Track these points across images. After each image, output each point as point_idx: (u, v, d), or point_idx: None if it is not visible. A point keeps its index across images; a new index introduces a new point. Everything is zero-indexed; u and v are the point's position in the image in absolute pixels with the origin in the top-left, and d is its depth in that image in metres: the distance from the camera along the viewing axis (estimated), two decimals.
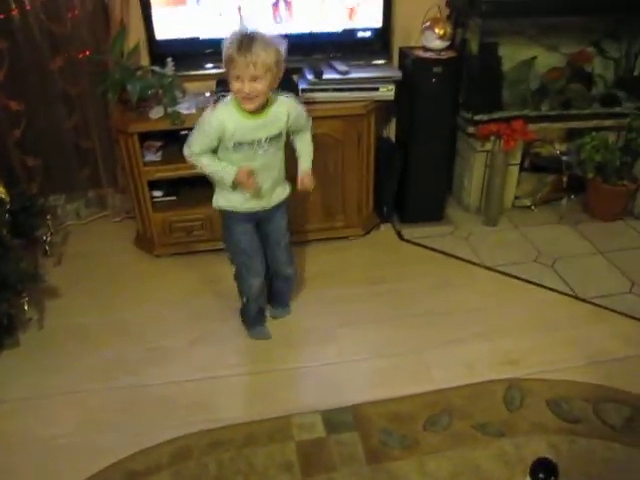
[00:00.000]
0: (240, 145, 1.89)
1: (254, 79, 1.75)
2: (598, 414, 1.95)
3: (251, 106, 1.82)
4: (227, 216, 2.10)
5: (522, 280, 2.66)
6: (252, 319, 2.34)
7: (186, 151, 1.96)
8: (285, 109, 1.94)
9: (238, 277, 2.23)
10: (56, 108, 2.85)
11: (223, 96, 2.61)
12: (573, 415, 1.95)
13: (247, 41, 1.72)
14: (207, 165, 1.96)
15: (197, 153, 1.94)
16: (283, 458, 1.80)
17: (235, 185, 1.95)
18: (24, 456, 1.86)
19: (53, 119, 2.87)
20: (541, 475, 1.17)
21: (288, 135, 2.03)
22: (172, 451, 1.84)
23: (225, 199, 2.06)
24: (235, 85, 1.78)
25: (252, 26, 1.78)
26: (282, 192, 2.12)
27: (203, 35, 2.69)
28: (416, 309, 2.48)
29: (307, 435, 1.88)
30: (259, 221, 2.13)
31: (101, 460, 1.80)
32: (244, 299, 2.26)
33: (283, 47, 1.80)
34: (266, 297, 2.34)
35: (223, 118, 1.86)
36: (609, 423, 1.92)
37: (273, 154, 1.98)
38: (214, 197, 2.10)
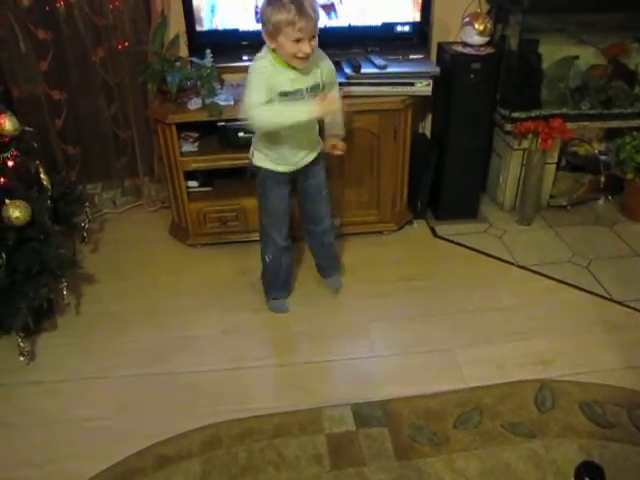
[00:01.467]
0: (285, 96, 1.95)
1: (313, 37, 1.86)
2: (632, 420, 1.92)
3: (306, 64, 1.92)
4: (264, 174, 2.18)
5: (556, 280, 2.63)
6: (272, 286, 2.41)
7: (247, 110, 1.95)
8: (318, 61, 2.01)
9: (262, 235, 2.32)
10: (96, 98, 2.90)
11: None
12: (606, 419, 1.92)
13: (299, 3, 1.80)
14: (277, 112, 1.96)
15: (260, 104, 1.92)
16: (314, 450, 1.82)
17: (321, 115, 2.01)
18: (61, 434, 1.92)
19: (93, 109, 2.93)
20: (586, 479, 1.16)
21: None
22: (203, 438, 1.87)
23: (264, 158, 2.15)
24: (293, 47, 1.85)
25: None
26: (319, 146, 2.20)
27: (241, 27, 2.71)
28: (449, 306, 2.47)
29: (337, 428, 1.90)
30: (296, 180, 2.21)
31: (133, 443, 1.85)
32: (266, 258, 2.33)
33: None
34: (289, 272, 2.43)
35: (268, 69, 1.93)
36: None
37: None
38: (254, 154, 2.18)
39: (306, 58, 1.89)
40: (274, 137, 2.06)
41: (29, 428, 1.95)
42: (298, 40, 1.84)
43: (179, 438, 1.87)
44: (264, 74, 1.93)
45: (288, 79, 1.95)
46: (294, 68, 1.94)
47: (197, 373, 2.15)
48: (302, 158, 2.15)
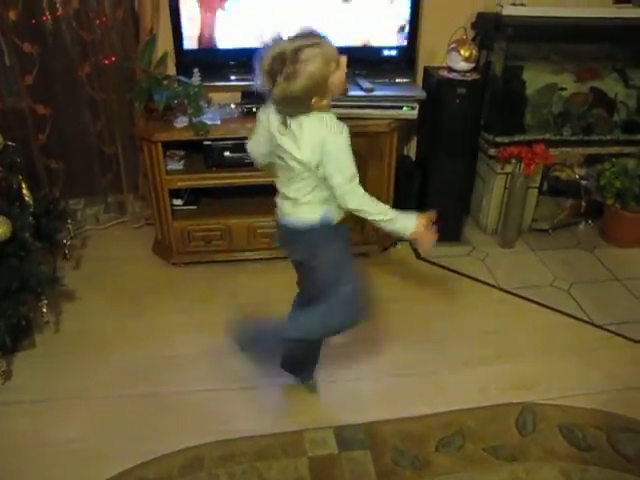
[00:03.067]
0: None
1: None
2: (612, 443, 1.94)
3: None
4: (330, 229, 1.81)
5: (538, 304, 2.66)
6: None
7: (358, 197, 1.70)
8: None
9: None
10: (82, 113, 2.89)
11: (247, 108, 2.69)
12: (586, 443, 1.94)
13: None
14: (380, 210, 1.72)
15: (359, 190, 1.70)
16: (295, 473, 1.81)
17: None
18: (35, 459, 1.88)
19: (78, 124, 2.92)
20: None
21: None
22: (184, 461, 1.85)
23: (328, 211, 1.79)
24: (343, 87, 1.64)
25: None
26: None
27: (229, 46, 2.73)
28: (431, 329, 2.48)
29: (320, 451, 1.89)
30: None
31: (113, 467, 1.81)
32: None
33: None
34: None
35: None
36: (623, 453, 1.91)
37: None
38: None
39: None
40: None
41: (4, 450, 1.90)
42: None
43: (160, 460, 1.84)
44: (345, 129, 1.64)
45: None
46: None
47: (179, 394, 2.12)
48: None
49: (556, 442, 1.94)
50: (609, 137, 3.11)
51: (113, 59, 2.79)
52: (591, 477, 1.82)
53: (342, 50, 2.71)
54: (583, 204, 3.17)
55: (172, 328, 2.46)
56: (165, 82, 2.64)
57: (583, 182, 3.16)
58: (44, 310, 2.34)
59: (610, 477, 1.82)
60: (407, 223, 1.72)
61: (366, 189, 2.72)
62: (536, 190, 3.13)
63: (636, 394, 2.16)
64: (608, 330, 2.49)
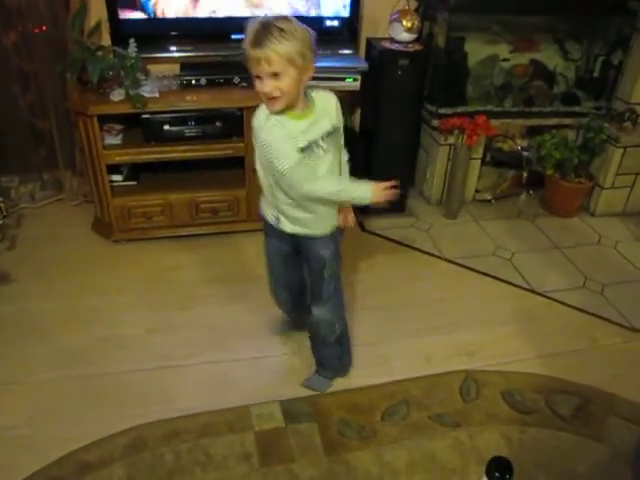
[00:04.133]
0: (302, 152, 1.60)
1: (274, 76, 1.50)
2: (549, 405, 2.01)
3: (276, 106, 1.55)
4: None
5: (480, 273, 2.71)
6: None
7: (303, 186, 1.63)
8: (331, 102, 1.71)
9: None
10: (10, 85, 2.74)
11: (187, 80, 2.62)
12: (526, 406, 2.00)
13: (262, 33, 1.46)
14: (331, 190, 1.68)
15: (305, 176, 1.63)
16: (242, 448, 1.80)
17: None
18: None
19: (7, 97, 2.76)
20: (497, 474, 1.19)
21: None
22: (126, 442, 1.81)
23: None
24: (256, 85, 1.54)
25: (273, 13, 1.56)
26: (293, 220, 1.80)
27: (167, 16, 2.63)
28: (376, 300, 2.49)
29: (266, 425, 1.88)
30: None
31: (53, 452, 1.76)
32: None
33: (309, 34, 1.52)
34: (298, 312, 2.15)
35: (279, 128, 1.58)
36: (559, 413, 1.98)
37: (334, 154, 1.73)
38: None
39: (268, 99, 1.54)
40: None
41: None
42: (257, 77, 1.52)
43: (101, 443, 1.80)
44: (278, 136, 1.58)
45: (299, 133, 1.60)
46: (302, 115, 1.62)
47: (120, 374, 2.08)
48: (272, 218, 1.82)
49: (498, 407, 1.99)
50: (549, 109, 3.16)
51: (44, 28, 2.65)
52: (530, 437, 1.88)
53: None
54: (524, 175, 3.22)
55: (112, 308, 2.39)
56: (99, 53, 2.53)
57: (524, 153, 3.21)
58: None
59: (547, 436, 1.89)
60: (363, 189, 1.69)
61: None
62: (479, 161, 3.17)
63: (572, 357, 2.24)
64: (548, 297, 2.56)
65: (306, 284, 1.96)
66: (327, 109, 1.69)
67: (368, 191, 1.67)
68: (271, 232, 1.86)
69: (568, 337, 2.34)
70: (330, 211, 1.80)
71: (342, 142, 1.82)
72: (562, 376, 2.13)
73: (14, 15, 2.59)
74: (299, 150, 1.59)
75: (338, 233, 1.88)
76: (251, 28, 1.48)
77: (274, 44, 1.45)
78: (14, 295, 2.44)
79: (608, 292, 2.60)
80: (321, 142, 1.65)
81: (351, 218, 1.97)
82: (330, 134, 1.68)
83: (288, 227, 1.78)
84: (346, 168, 1.88)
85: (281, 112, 1.58)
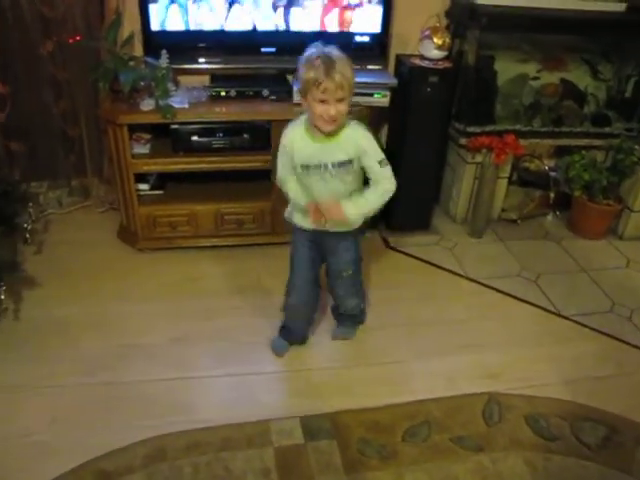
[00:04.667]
0: (307, 168, 1.86)
1: (340, 101, 1.71)
2: (575, 432, 1.97)
3: (332, 128, 1.77)
4: (293, 227, 2.10)
5: (505, 294, 2.67)
6: (283, 328, 2.28)
7: (276, 178, 1.99)
8: (361, 139, 1.86)
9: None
10: (44, 93, 2.78)
11: (216, 92, 2.64)
12: (550, 432, 1.96)
13: (330, 62, 1.68)
14: (290, 190, 1.97)
15: (282, 176, 1.97)
16: (261, 464, 1.78)
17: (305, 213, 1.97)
18: None
19: (40, 104, 2.80)
20: None
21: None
22: (146, 452, 1.80)
23: (290, 212, 2.08)
24: (318, 108, 1.72)
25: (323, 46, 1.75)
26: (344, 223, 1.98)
27: (199, 27, 2.65)
28: (399, 318, 2.47)
29: (286, 441, 1.86)
30: (321, 244, 2.08)
31: (73, 459, 1.76)
32: (284, 306, 2.24)
33: None
34: (307, 325, 2.28)
35: (293, 137, 1.87)
36: (585, 442, 1.93)
37: (342, 180, 1.89)
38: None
39: (332, 122, 1.75)
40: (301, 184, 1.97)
41: None
42: (323, 101, 1.71)
43: (120, 452, 1.80)
44: (285, 146, 1.89)
45: (314, 150, 1.84)
46: (321, 141, 1.83)
47: (142, 383, 2.08)
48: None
49: (521, 432, 1.95)
50: (579, 129, 3.13)
51: (77, 38, 2.69)
52: (554, 466, 1.84)
53: (315, 35, 2.72)
54: (551, 195, 3.19)
55: (136, 316, 2.40)
56: (131, 63, 2.56)
57: (552, 173, 3.18)
58: (2, 297, 2.28)
59: (573, 465, 1.84)
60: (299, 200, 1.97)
61: None
62: (505, 180, 3.14)
63: (598, 384, 2.18)
64: (574, 321, 2.51)
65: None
66: (351, 139, 1.84)
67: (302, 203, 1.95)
68: (301, 232, 2.08)
69: (594, 363, 2.29)
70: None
71: (370, 174, 1.92)
72: (587, 403, 2.08)
73: (52, 25, 2.64)
74: (302, 166, 1.86)
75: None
76: (318, 59, 1.69)
77: (346, 71, 1.70)
78: (40, 300, 2.46)
79: (637, 318, 2.55)
80: (331, 168, 1.85)
81: (333, 209, 1.91)
82: (344, 164, 1.85)
83: (339, 225, 2.01)
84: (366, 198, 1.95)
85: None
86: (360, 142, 1.85)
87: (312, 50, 1.74)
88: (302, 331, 2.28)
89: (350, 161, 1.85)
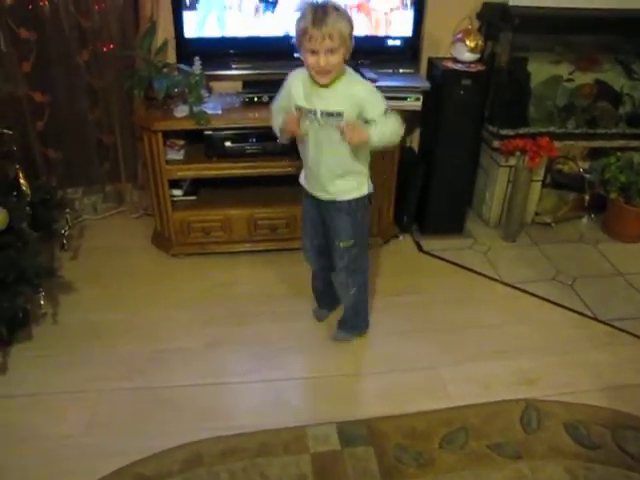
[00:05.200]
0: (300, 111, 1.85)
1: (330, 51, 1.70)
2: (617, 441, 1.92)
3: (326, 80, 1.77)
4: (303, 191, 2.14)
5: (540, 298, 2.63)
6: (314, 293, 2.42)
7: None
8: (358, 91, 1.82)
9: None
10: (80, 101, 2.83)
11: (249, 98, 2.65)
12: (591, 440, 1.92)
13: (321, 12, 1.66)
14: (273, 119, 2.01)
15: (274, 107, 2.00)
16: (297, 470, 1.78)
17: (283, 132, 1.95)
18: (30, 453, 1.84)
19: (76, 112, 2.86)
20: None
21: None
22: (183, 457, 1.81)
23: (300, 176, 2.12)
24: (310, 59, 1.73)
25: None
26: (342, 189, 1.98)
27: (231, 34, 2.67)
28: (433, 323, 2.45)
29: (322, 447, 1.86)
30: (321, 211, 2.08)
31: (110, 462, 1.78)
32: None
33: (351, 18, 1.75)
34: (323, 292, 2.36)
35: (296, 76, 1.89)
36: (628, 451, 1.88)
37: (330, 136, 1.84)
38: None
39: (324, 73, 1.74)
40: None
41: (0, 445, 1.86)
42: (313, 52, 1.71)
43: (159, 457, 1.81)
44: (285, 84, 1.93)
45: (307, 93, 1.84)
46: (318, 87, 1.81)
47: (178, 388, 2.10)
48: (315, 189, 2.03)
49: (561, 440, 1.92)
50: (614, 130, 3.07)
51: (112, 46, 2.73)
52: (597, 476, 1.80)
53: None
54: (586, 198, 3.14)
55: (170, 320, 2.42)
56: (165, 70, 2.60)
57: (586, 176, 3.12)
58: (42, 302, 2.30)
59: (616, 475, 1.80)
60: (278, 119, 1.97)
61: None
62: (539, 183, 3.09)
63: (638, 391, 2.13)
64: (612, 326, 2.46)
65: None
66: (347, 93, 1.81)
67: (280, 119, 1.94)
68: (306, 195, 2.14)
69: (634, 369, 2.24)
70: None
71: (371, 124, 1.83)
72: (628, 410, 2.03)
73: (88, 35, 2.69)
74: (296, 107, 1.86)
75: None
76: (308, 8, 1.69)
77: (337, 22, 1.67)
78: (76, 305, 2.50)
79: None
80: (319, 116, 1.83)
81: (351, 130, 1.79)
82: (334, 115, 1.81)
83: (324, 194, 2.06)
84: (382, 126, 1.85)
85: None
86: (357, 94, 1.81)
87: (307, 1, 1.72)
88: (328, 297, 2.36)
89: (340, 114, 1.80)
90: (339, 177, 1.96)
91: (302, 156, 2.03)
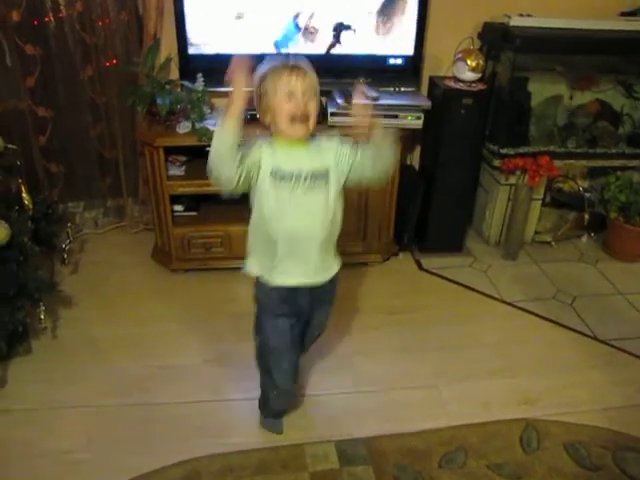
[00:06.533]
0: (276, 175, 1.55)
1: (309, 98, 1.52)
2: (617, 462, 1.91)
3: (304, 130, 1.55)
4: (260, 291, 1.77)
5: (540, 317, 2.63)
6: (271, 412, 2.00)
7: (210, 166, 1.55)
8: (326, 140, 1.64)
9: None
10: (83, 116, 2.86)
11: (251, 115, 2.66)
12: (591, 462, 1.91)
13: (293, 61, 1.54)
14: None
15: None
16: None
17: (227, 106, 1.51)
18: (28, 469, 1.83)
19: (79, 127, 2.88)
20: None
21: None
22: (181, 474, 1.80)
23: (259, 266, 1.71)
24: (285, 107, 1.51)
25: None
26: (332, 263, 1.75)
27: (233, 52, 2.69)
28: (433, 341, 2.44)
29: (321, 466, 1.85)
30: (310, 302, 1.76)
31: (110, 478, 1.77)
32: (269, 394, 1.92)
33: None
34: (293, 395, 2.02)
35: (260, 146, 1.56)
36: (629, 473, 1.87)
37: (316, 199, 1.60)
38: (247, 260, 1.74)
39: (304, 120, 1.55)
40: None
41: None
42: (290, 95, 1.54)
43: (157, 474, 1.80)
44: (253, 147, 1.57)
45: (287, 156, 1.58)
46: (298, 144, 1.60)
47: (177, 404, 2.09)
48: (306, 275, 1.69)
49: (561, 460, 1.91)
50: (614, 150, 3.09)
51: (115, 62, 2.76)
52: None
53: (348, 58, 2.74)
54: (586, 217, 3.15)
55: (170, 336, 2.42)
56: (168, 87, 2.61)
57: (586, 195, 3.13)
58: (42, 316, 2.30)
59: None
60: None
61: (368, 199, 2.73)
62: (539, 202, 3.10)
63: (638, 412, 2.12)
64: (611, 345, 2.46)
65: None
66: (325, 147, 1.62)
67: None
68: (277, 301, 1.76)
69: (635, 390, 2.23)
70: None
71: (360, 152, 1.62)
72: (628, 431, 2.02)
73: (92, 51, 2.72)
74: (273, 173, 1.55)
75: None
76: (281, 58, 1.56)
77: (309, 71, 1.54)
78: (76, 319, 2.50)
79: None
80: (304, 178, 1.56)
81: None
82: (319, 176, 1.59)
83: (328, 271, 1.76)
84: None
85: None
86: (327, 144, 1.63)
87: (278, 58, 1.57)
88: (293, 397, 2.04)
89: (326, 174, 1.60)
90: (329, 249, 1.72)
91: (264, 239, 1.64)
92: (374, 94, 2.60)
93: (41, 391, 2.12)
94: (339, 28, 2.70)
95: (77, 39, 2.68)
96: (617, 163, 3.08)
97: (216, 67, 2.67)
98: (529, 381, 2.25)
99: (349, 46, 2.73)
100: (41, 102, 2.76)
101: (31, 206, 2.32)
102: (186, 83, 2.61)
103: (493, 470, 1.87)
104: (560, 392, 2.21)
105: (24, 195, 2.32)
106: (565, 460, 1.91)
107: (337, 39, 2.72)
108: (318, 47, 2.73)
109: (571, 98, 3.08)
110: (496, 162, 2.95)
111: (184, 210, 2.81)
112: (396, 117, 2.62)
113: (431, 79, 2.94)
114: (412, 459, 1.89)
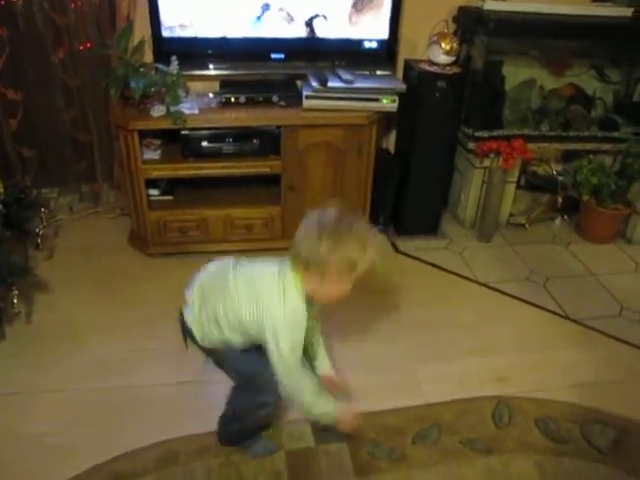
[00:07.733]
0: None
1: None
2: (585, 435, 1.97)
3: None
4: None
5: (514, 298, 2.67)
6: (253, 434, 1.85)
7: (283, 378, 1.52)
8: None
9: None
10: (55, 99, 2.82)
11: (226, 98, 2.65)
12: (560, 435, 1.96)
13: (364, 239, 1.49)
14: (307, 390, 1.59)
15: (297, 366, 1.54)
16: (272, 467, 1.79)
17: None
18: (5, 453, 1.83)
19: (51, 110, 2.84)
20: None
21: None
22: (158, 455, 1.82)
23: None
24: (345, 287, 1.56)
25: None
26: None
27: (208, 35, 2.68)
28: (408, 322, 2.47)
29: (296, 444, 1.87)
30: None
31: (86, 460, 1.78)
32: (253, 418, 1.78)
33: None
34: None
35: (299, 311, 1.56)
36: (595, 445, 1.93)
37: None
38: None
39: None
40: None
41: None
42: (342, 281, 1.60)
43: (134, 454, 1.81)
44: (301, 317, 1.56)
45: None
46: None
47: (154, 387, 2.09)
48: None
49: (531, 435, 1.96)
50: (587, 133, 3.13)
51: (88, 45, 2.72)
52: (565, 469, 1.84)
53: (324, 42, 2.73)
54: (559, 199, 3.20)
55: (146, 320, 2.41)
56: (142, 70, 2.58)
57: (560, 178, 3.18)
58: (15, 301, 2.28)
59: (583, 468, 1.85)
60: (331, 408, 1.65)
61: (344, 183, 2.75)
62: (514, 185, 3.14)
63: (607, 387, 2.19)
64: (583, 324, 2.52)
65: None
66: None
67: (335, 413, 1.65)
68: None
69: (604, 367, 2.29)
70: None
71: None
72: (598, 406, 2.08)
73: (63, 33, 2.67)
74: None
75: None
76: (365, 234, 1.48)
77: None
78: (51, 304, 2.48)
79: None
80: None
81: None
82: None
83: None
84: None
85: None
86: None
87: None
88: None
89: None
90: None
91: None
92: (349, 77, 2.60)
93: (16, 376, 2.11)
94: (311, 20, 2.70)
95: (47, 20, 2.63)
96: (590, 146, 3.12)
97: (191, 50, 2.69)
98: (502, 360, 2.30)
99: (324, 30, 2.72)
100: (10, 85, 2.71)
101: (2, 190, 2.29)
102: (160, 66, 2.58)
103: (465, 445, 1.91)
104: (532, 370, 2.25)
105: None
106: (535, 434, 1.96)
107: (312, 31, 2.72)
108: (294, 30, 2.72)
109: (543, 83, 3.09)
110: (471, 145, 2.98)
111: (160, 194, 2.79)
112: (377, 101, 2.63)
113: (406, 62, 2.95)
114: (386, 436, 1.93)
